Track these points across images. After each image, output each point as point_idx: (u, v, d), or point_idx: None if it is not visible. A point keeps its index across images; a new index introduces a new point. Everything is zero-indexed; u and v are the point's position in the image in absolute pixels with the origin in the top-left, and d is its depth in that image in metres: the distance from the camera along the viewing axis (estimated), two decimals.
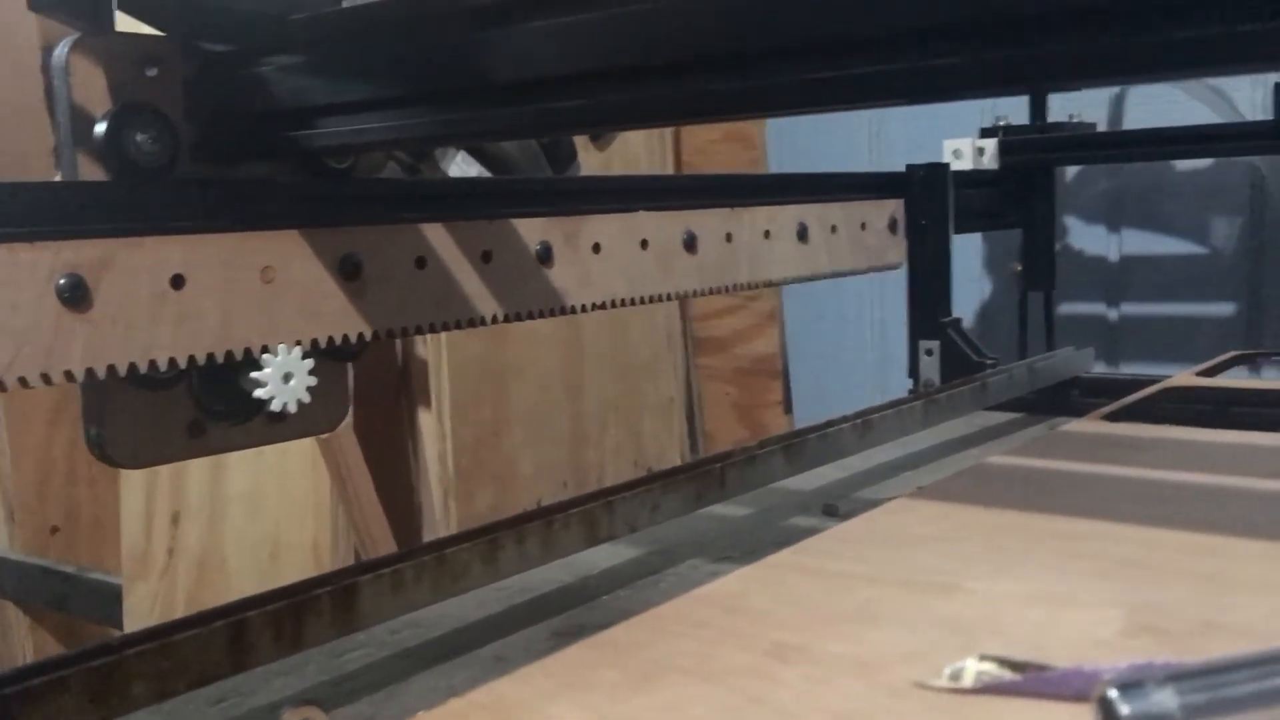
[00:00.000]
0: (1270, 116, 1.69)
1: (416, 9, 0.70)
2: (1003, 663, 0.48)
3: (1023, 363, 1.41)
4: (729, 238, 1.18)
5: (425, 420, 1.85)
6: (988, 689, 0.47)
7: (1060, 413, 1.42)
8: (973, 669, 0.48)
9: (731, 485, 0.94)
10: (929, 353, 1.51)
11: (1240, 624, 0.53)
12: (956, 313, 1.55)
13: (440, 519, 1.82)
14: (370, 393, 1.85)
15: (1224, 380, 1.28)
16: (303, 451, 1.71)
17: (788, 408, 2.48)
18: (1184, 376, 1.27)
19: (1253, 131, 1.73)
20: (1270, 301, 2.01)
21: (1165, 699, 0.39)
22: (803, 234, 1.29)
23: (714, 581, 0.62)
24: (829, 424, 1.07)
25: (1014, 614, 0.55)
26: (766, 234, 1.24)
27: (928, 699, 0.47)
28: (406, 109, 0.73)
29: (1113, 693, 0.39)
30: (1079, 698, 0.44)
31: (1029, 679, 0.46)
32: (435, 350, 1.83)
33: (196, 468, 1.76)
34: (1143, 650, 0.50)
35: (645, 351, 2.21)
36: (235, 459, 1.75)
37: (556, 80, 0.65)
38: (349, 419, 1.64)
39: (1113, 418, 1.06)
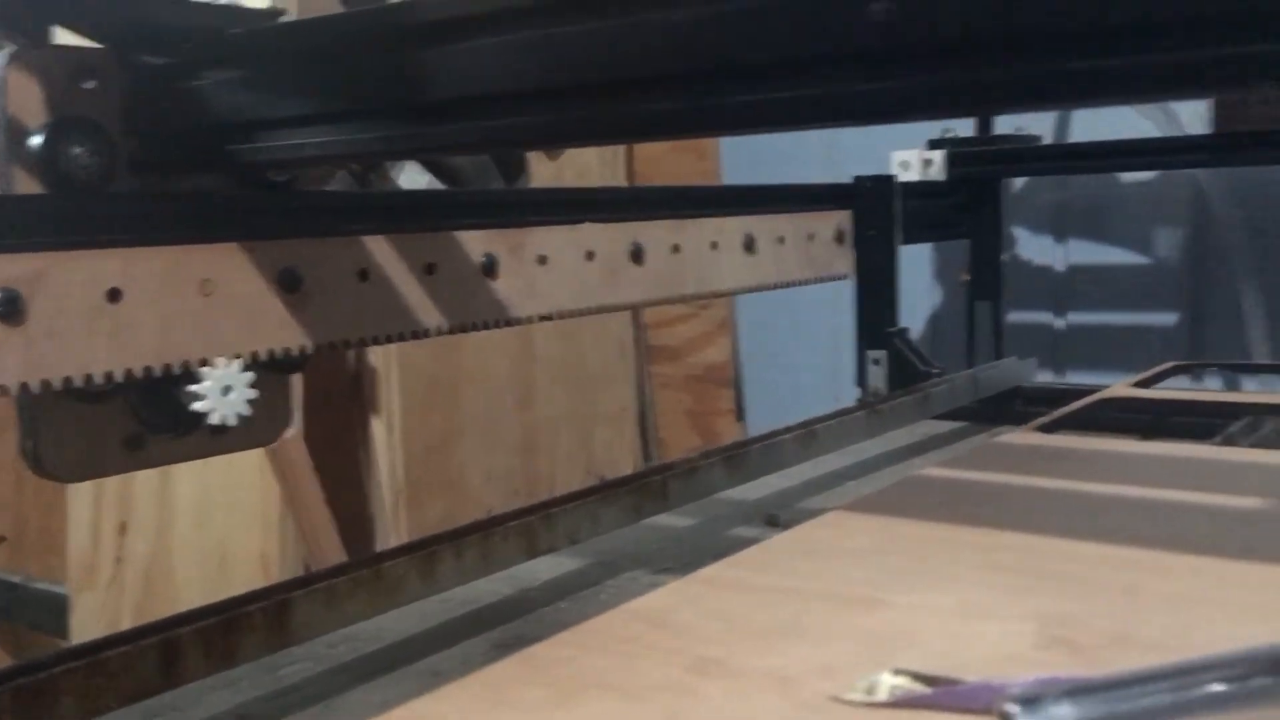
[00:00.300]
0: (1210, 130, 1.73)
1: (354, 26, 0.71)
2: (915, 676, 0.49)
3: (964, 373, 1.44)
4: (676, 249, 1.19)
5: (377, 429, 1.85)
6: (900, 702, 0.48)
7: (1003, 421, 1.45)
8: (886, 683, 0.49)
9: (673, 497, 0.95)
10: (876, 362, 1.53)
11: (1151, 638, 0.55)
12: (908, 322, 1.57)
13: (391, 528, 1.81)
14: (322, 401, 1.84)
15: (1159, 391, 1.31)
16: (251, 462, 1.70)
17: (740, 415, 2.50)
18: (1120, 387, 1.30)
19: (1193, 145, 1.77)
20: (1212, 312, 2.05)
21: (1062, 713, 0.40)
22: (750, 245, 1.31)
23: (642, 596, 0.62)
24: (772, 434, 1.08)
25: (933, 627, 0.56)
26: (714, 245, 1.26)
27: (842, 712, 0.48)
28: (346, 124, 0.73)
29: (1012, 707, 0.40)
30: (986, 711, 0.45)
31: (939, 693, 0.47)
32: (385, 359, 1.83)
33: (144, 478, 1.75)
34: (1053, 663, 0.51)
35: (598, 360, 2.22)
36: (183, 469, 1.74)
37: (496, 98, 0.65)
38: (297, 429, 1.63)
39: (1048, 428, 1.08)
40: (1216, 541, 0.69)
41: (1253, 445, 1.05)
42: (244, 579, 1.71)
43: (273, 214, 0.84)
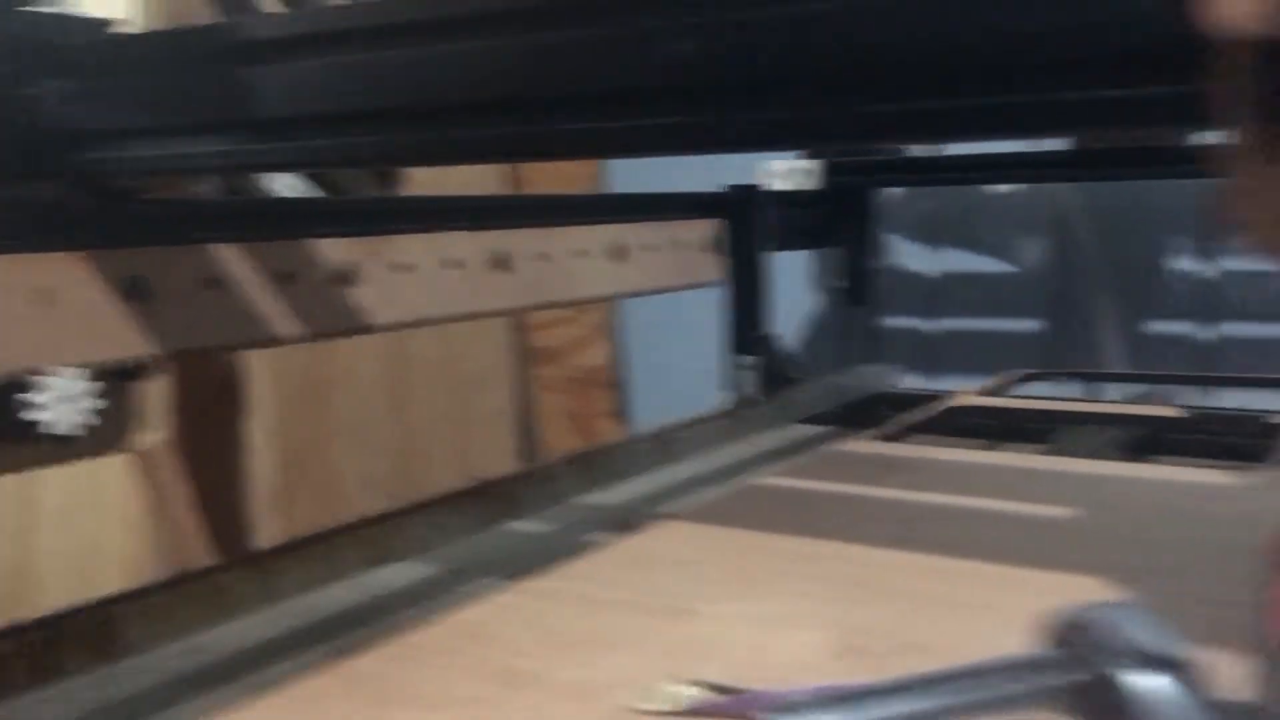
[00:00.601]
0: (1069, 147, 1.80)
1: (185, 42, 0.71)
2: (710, 687, 0.51)
3: (826, 379, 1.48)
4: (543, 256, 1.21)
5: (250, 431, 1.83)
6: (694, 712, 0.50)
7: (865, 426, 1.49)
8: (683, 693, 0.51)
9: (523, 504, 0.97)
10: (746, 367, 1.57)
11: (940, 644, 0.58)
12: (783, 328, 1.61)
13: (262, 532, 1.80)
14: (196, 403, 1.81)
15: (1004, 399, 1.37)
16: (118, 464, 1.67)
17: (621, 417, 2.52)
18: (968, 395, 1.35)
19: (1053, 160, 1.84)
20: (1074, 320, 2.14)
21: None
22: (619, 253, 1.33)
23: (465, 608, 0.64)
24: (628, 441, 1.10)
25: (738, 636, 0.59)
26: (582, 253, 1.28)
27: None
28: (183, 138, 0.73)
29: (763, 717, 0.43)
30: None
31: (729, 702, 0.50)
32: (259, 360, 1.81)
33: (4, 480, 1.71)
34: (844, 670, 0.54)
35: (476, 362, 2.22)
36: (47, 470, 1.70)
37: (324, 118, 0.66)
38: (160, 434, 1.60)
39: (894, 436, 1.12)
40: (1020, 549, 0.73)
41: (1084, 455, 1.11)
42: (113, 582, 1.68)
43: (118, 222, 0.84)
